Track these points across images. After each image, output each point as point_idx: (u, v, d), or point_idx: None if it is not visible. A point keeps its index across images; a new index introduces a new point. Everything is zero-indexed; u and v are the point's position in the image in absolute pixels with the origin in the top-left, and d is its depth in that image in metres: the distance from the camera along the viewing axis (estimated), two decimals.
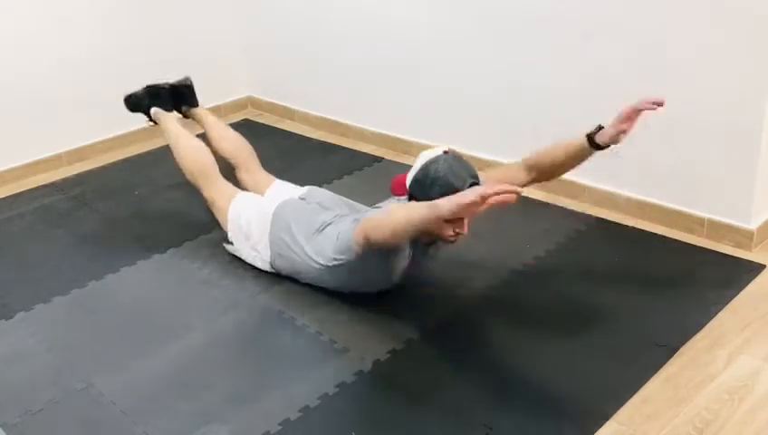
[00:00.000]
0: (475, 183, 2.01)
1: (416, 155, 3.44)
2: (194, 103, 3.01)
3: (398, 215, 1.97)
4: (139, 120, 3.90)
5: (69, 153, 3.72)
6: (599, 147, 2.15)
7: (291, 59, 3.99)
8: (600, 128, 2.14)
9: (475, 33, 3.06)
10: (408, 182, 2.09)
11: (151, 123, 3.01)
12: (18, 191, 3.46)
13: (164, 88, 2.96)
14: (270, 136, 3.93)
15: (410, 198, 2.09)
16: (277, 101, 4.20)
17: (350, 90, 3.73)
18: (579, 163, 2.25)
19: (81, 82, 3.70)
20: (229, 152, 2.84)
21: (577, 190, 2.93)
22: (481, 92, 3.14)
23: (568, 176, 2.93)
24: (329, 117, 3.88)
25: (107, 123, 3.84)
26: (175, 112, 2.97)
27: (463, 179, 1.99)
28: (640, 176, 2.73)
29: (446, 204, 1.82)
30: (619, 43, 2.62)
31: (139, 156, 3.74)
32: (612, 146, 2.15)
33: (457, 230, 2.07)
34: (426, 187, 2.00)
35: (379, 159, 3.51)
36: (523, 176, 2.27)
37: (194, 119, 3.03)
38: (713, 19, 2.37)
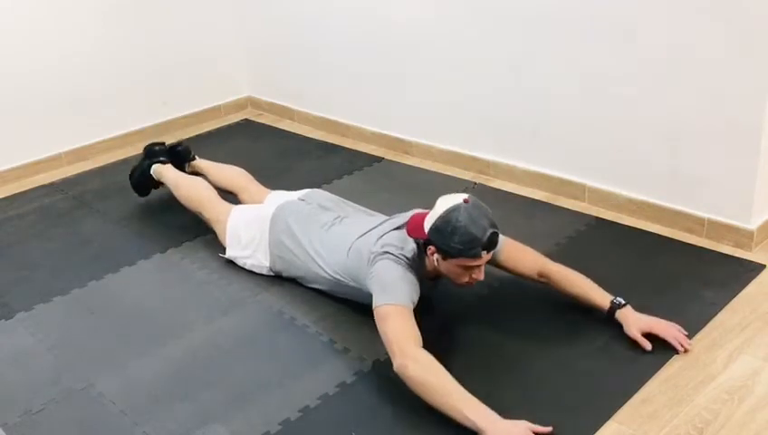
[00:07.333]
0: (495, 232, 1.99)
1: (416, 155, 3.51)
2: (191, 158, 3.16)
3: (444, 387, 1.81)
4: (139, 121, 3.94)
5: (69, 153, 3.73)
6: (612, 317, 2.13)
7: (291, 59, 3.99)
8: (623, 305, 2.11)
9: (475, 34, 3.06)
10: (426, 228, 2.06)
11: (157, 185, 3.11)
12: (18, 191, 3.46)
13: (160, 144, 3.14)
14: (270, 136, 3.94)
15: (426, 244, 2.08)
16: (277, 101, 4.20)
17: (350, 90, 3.73)
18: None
19: (81, 82, 3.71)
20: (229, 183, 2.94)
21: (577, 190, 2.93)
22: (481, 93, 3.14)
23: (568, 176, 2.95)
24: (329, 117, 3.88)
25: (107, 123, 3.84)
26: (171, 166, 3.07)
27: (483, 229, 1.97)
28: (640, 176, 2.73)
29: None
30: (619, 43, 2.62)
31: (139, 156, 3.72)
32: None
33: (474, 276, 2.06)
34: (446, 236, 1.99)
35: (379, 159, 3.51)
36: (532, 273, 2.25)
37: (196, 172, 3.12)
38: (713, 19, 2.37)
